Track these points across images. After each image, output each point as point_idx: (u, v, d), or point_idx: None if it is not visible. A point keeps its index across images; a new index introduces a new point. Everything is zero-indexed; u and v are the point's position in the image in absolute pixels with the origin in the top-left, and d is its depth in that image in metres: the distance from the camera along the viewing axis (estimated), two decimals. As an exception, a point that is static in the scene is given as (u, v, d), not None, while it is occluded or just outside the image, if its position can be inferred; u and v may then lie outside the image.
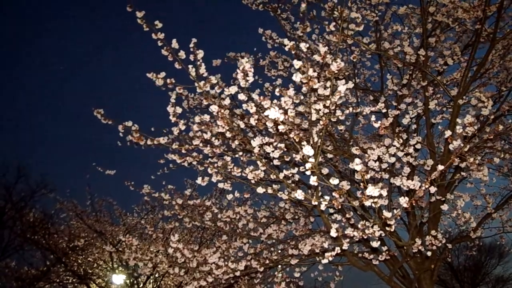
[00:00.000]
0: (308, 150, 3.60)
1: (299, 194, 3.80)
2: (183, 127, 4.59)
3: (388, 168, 5.44)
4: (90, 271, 13.67)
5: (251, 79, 4.48)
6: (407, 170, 5.13)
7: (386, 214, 3.90)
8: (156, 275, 12.89)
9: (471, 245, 8.03)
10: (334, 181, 3.73)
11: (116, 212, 13.97)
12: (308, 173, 3.71)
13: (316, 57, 3.73)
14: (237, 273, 4.97)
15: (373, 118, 4.95)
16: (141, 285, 13.40)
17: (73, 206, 13.54)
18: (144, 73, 4.41)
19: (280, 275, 5.96)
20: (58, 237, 13.43)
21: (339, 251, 4.34)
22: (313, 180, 3.73)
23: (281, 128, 3.73)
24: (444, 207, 5.38)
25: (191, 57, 4.11)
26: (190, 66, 4.13)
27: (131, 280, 13.22)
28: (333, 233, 3.96)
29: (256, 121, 4.43)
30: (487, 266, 33.06)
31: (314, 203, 3.89)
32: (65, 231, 13.52)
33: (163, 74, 4.35)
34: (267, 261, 5.26)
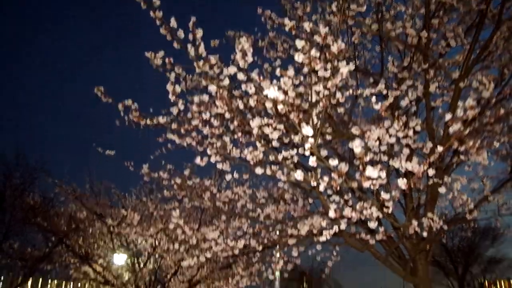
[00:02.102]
0: (307, 130, 3.60)
1: (299, 175, 3.82)
2: (182, 107, 4.59)
3: (387, 151, 5.46)
4: (91, 252, 13.82)
5: (250, 59, 4.46)
6: (406, 152, 5.13)
7: (384, 195, 3.93)
8: (156, 256, 13.05)
9: (466, 227, 8.12)
10: (333, 162, 3.74)
11: (115, 195, 14.06)
12: (307, 153, 3.72)
13: (317, 38, 3.70)
14: (236, 251, 5.01)
15: (373, 99, 4.94)
16: (142, 264, 13.57)
17: (72, 189, 13.60)
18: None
19: (278, 254, 6.03)
20: (58, 219, 13.53)
21: (337, 230, 4.39)
22: (312, 161, 3.75)
23: (280, 108, 3.72)
24: (442, 189, 5.41)
25: (190, 36, 4.08)
26: (189, 46, 4.10)
27: (132, 260, 13.38)
28: (332, 214, 4.00)
29: (255, 102, 4.42)
30: (481, 248, 33.66)
31: (313, 184, 3.91)
32: (65, 214, 13.61)
33: (161, 53, 4.33)
34: (266, 241, 5.31)
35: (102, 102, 4.70)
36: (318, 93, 4.22)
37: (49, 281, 17.99)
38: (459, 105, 4.70)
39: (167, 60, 4.58)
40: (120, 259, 13.17)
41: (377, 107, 4.92)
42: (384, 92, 5.56)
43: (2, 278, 15.92)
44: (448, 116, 4.96)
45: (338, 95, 4.76)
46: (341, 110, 5.80)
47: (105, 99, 4.77)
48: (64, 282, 17.29)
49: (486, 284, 36.67)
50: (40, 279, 17.95)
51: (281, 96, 3.54)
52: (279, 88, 3.67)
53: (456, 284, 34.20)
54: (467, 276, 34.11)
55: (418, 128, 5.49)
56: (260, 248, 5.30)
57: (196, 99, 4.62)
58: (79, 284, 15.63)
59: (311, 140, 3.61)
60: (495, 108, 5.58)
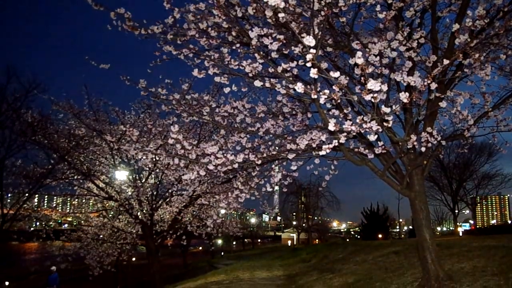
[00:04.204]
0: (309, 40, 3.44)
1: (299, 87, 3.73)
2: (177, 15, 4.35)
3: (388, 64, 5.31)
4: (93, 169, 14.14)
5: (248, -39, 4.13)
6: (408, 65, 4.99)
7: (385, 109, 3.89)
8: (157, 171, 13.37)
9: (464, 143, 8.17)
10: (335, 74, 3.64)
11: (113, 112, 14.02)
12: (308, 65, 3.60)
13: None
14: (235, 165, 5.07)
15: (378, 8, 4.70)
16: (144, 180, 13.97)
17: (70, 106, 13.53)
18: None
19: (277, 168, 6.13)
20: (59, 136, 13.62)
21: (336, 144, 4.40)
22: (313, 73, 3.63)
23: (281, 16, 3.52)
24: (443, 104, 5.37)
25: None
26: None
27: (134, 176, 13.75)
28: (331, 127, 3.97)
29: (254, 10, 4.19)
30: (476, 164, 34.86)
31: (314, 96, 3.84)
32: (64, 131, 13.68)
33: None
34: (265, 155, 5.35)
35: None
36: (320, 0, 3.98)
37: (54, 197, 18.65)
38: (469, 14, 4.49)
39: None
40: (121, 175, 13.53)
41: (381, 16, 4.69)
42: (389, 1, 5.27)
43: (8, 195, 16.47)
44: (455, 27, 4.76)
45: (341, 2, 4.50)
46: (343, 20, 5.53)
47: (96, 7, 4.50)
48: (69, 198, 17.87)
49: (478, 199, 38.63)
50: (46, 196, 18.58)
51: (282, 4, 3.33)
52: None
53: (450, 199, 35.98)
54: (461, 191, 35.74)
55: (422, 40, 5.29)
56: (259, 162, 5.36)
57: (192, 7, 4.36)
58: (83, 200, 16.21)
59: (312, 50, 3.46)
60: (505, 18, 5.33)
